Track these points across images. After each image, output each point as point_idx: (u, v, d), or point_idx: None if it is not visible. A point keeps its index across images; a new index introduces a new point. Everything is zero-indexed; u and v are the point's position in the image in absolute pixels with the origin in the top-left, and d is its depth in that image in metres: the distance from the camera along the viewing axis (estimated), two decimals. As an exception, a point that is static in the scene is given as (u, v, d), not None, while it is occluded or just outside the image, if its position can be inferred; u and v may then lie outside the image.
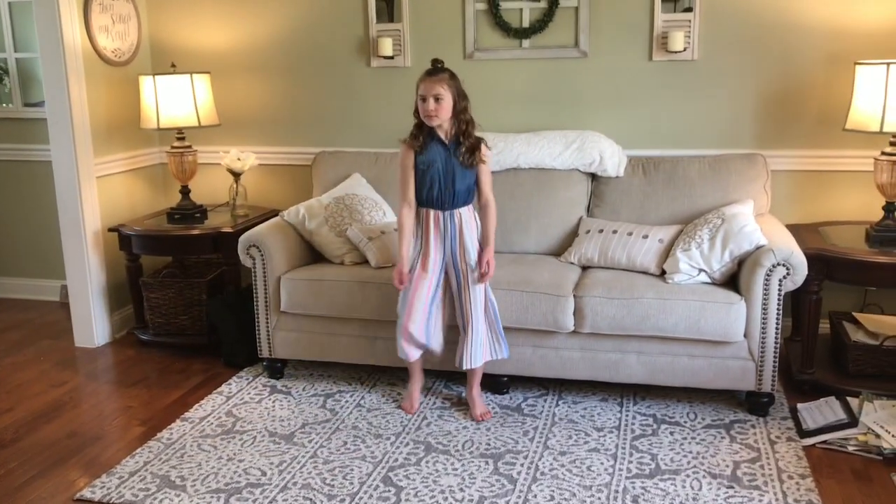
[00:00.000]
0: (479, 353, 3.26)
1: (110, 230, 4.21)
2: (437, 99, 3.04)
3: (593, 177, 3.94)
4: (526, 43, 4.12)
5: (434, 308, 3.26)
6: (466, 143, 3.12)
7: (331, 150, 4.26)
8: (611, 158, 3.87)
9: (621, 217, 3.79)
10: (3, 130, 4.96)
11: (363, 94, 4.33)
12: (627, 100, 4.04)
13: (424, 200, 3.20)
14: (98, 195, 4.23)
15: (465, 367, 3.26)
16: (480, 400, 3.40)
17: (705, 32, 3.89)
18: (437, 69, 3.09)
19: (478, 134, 3.17)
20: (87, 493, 2.81)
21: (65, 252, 4.25)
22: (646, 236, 3.56)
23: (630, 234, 3.60)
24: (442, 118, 3.07)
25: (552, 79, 4.11)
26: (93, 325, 4.27)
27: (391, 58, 4.24)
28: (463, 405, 3.45)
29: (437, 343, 3.32)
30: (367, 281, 3.50)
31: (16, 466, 3.04)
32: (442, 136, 3.14)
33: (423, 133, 3.15)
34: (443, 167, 3.13)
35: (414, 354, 3.31)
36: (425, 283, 3.21)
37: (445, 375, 3.69)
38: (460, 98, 3.09)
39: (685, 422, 3.27)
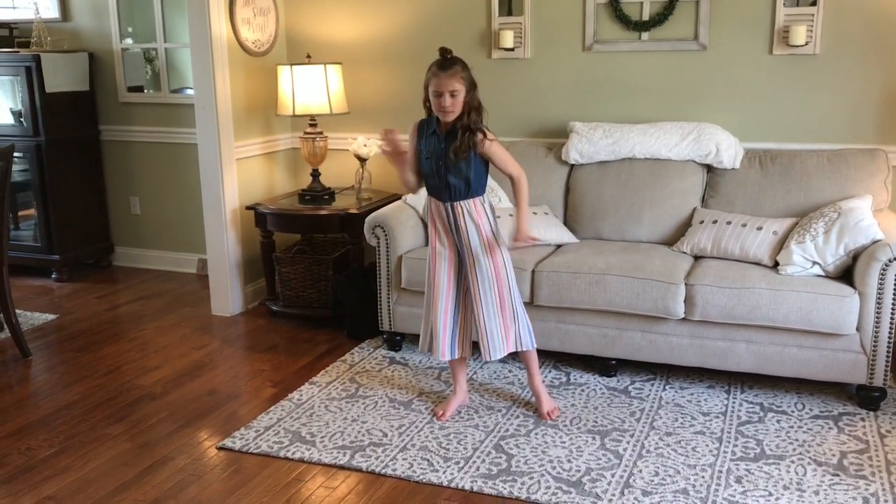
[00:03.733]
0: (497, 344, 3.15)
1: (247, 208, 4.55)
2: (452, 94, 2.93)
3: (709, 168, 3.99)
4: (645, 35, 4.21)
5: (458, 304, 3.21)
6: (462, 130, 2.97)
7: (451, 138, 4.46)
8: (727, 150, 3.91)
9: (736, 209, 3.84)
10: (152, 114, 5.40)
11: (482, 84, 4.37)
12: (746, 93, 4.07)
13: (427, 189, 3.16)
14: (237, 176, 4.58)
15: (486, 359, 3.18)
16: (545, 394, 3.33)
17: (828, 27, 3.88)
18: (448, 60, 2.97)
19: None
20: (228, 443, 3.12)
21: (206, 227, 4.62)
22: (760, 228, 3.60)
23: (744, 225, 3.65)
24: (457, 112, 2.96)
25: (670, 71, 4.18)
26: (229, 295, 4.64)
27: (511, 49, 4.41)
28: (572, 385, 3.60)
29: (464, 343, 3.25)
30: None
31: (166, 416, 3.39)
32: (439, 128, 3.04)
33: (428, 121, 3.09)
34: (435, 161, 3.04)
35: (447, 353, 3.22)
36: (442, 275, 3.16)
37: (555, 356, 3.84)
38: (472, 89, 2.98)
39: (792, 411, 3.31)
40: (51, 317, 4.65)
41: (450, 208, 3.09)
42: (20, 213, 5.52)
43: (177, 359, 4.02)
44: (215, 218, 4.56)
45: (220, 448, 3.10)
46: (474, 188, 3.08)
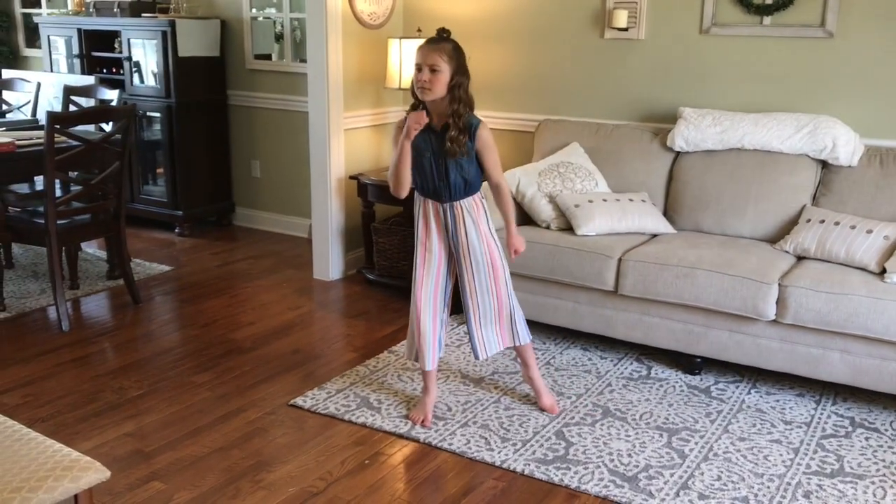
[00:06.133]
0: (494, 344, 3.08)
1: (351, 178, 4.66)
2: (432, 70, 2.76)
3: (823, 164, 3.74)
4: (767, 20, 3.97)
5: (443, 306, 3.08)
6: (454, 129, 2.80)
7: (555, 119, 4.40)
8: (845, 146, 3.65)
9: (848, 209, 3.58)
10: (274, 82, 5.60)
11: (593, 64, 4.40)
12: (874, 86, 3.77)
13: (420, 189, 2.97)
14: (344, 145, 4.69)
15: (480, 358, 3.09)
16: (544, 386, 3.21)
17: (975, 15, 3.54)
18: (440, 38, 2.83)
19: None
20: (298, 401, 3.23)
21: (312, 194, 4.77)
22: (870, 231, 3.35)
23: (853, 227, 3.40)
24: (436, 92, 2.77)
25: (791, 59, 3.93)
26: (329, 261, 4.78)
27: (625, 30, 4.27)
28: (651, 379, 3.49)
29: (439, 347, 3.07)
30: (566, 247, 3.60)
31: (249, 370, 3.55)
32: (434, 120, 2.85)
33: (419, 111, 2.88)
34: (433, 157, 2.87)
35: (434, 361, 3.05)
36: (430, 278, 3.01)
37: (638, 349, 3.74)
38: (459, 73, 2.79)
39: (885, 429, 3.08)
40: (167, 268, 4.94)
41: (448, 209, 2.94)
42: (158, 171, 5.87)
43: (272, 317, 4.19)
44: (321, 185, 4.70)
45: (291, 405, 3.22)
46: (473, 185, 2.94)
